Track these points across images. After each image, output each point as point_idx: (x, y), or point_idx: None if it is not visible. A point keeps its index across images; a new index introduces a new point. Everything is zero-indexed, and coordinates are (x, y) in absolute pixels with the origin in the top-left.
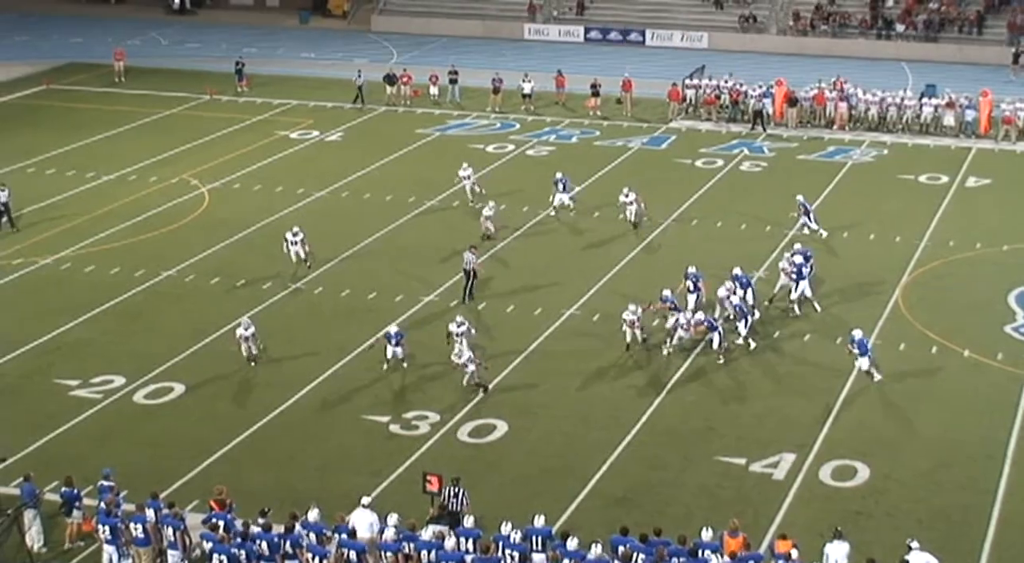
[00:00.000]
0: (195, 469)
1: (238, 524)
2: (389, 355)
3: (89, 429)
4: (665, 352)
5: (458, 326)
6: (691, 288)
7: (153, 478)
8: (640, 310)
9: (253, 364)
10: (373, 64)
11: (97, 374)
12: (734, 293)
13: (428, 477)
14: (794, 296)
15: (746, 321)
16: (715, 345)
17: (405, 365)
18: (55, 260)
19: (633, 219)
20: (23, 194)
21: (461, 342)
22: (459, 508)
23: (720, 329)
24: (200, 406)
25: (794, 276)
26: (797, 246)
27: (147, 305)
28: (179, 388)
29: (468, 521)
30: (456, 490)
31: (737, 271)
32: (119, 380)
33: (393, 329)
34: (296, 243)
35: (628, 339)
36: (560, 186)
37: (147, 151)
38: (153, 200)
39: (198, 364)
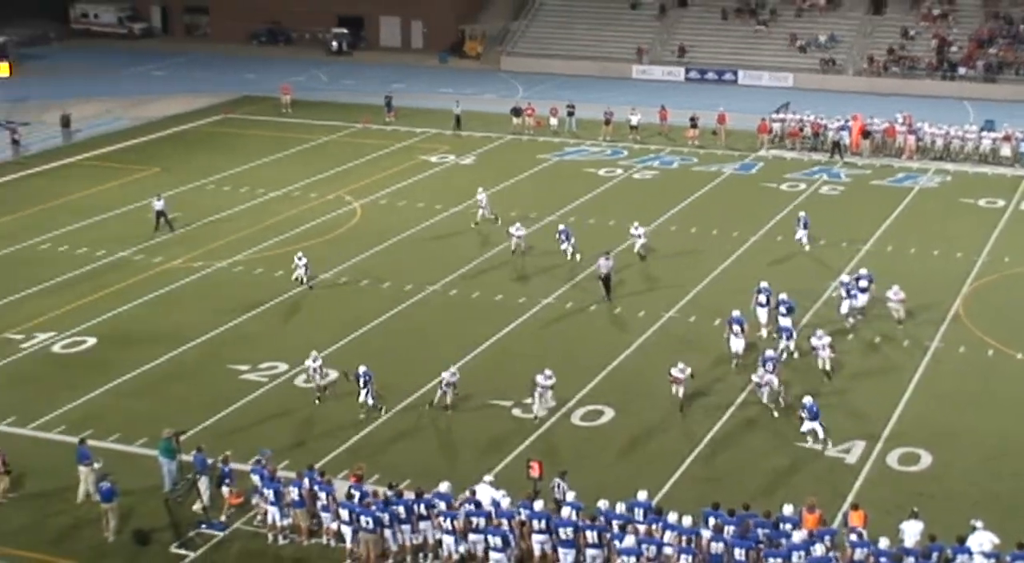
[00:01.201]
0: (345, 444)
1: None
2: (361, 399)
3: (256, 407)
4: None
5: (451, 375)
6: (764, 302)
7: (309, 450)
8: (688, 368)
9: (320, 397)
10: (501, 98)
11: (264, 360)
12: (783, 316)
13: (530, 463)
14: (844, 311)
15: (791, 339)
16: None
17: (379, 409)
18: (229, 263)
19: (640, 252)
20: (203, 207)
21: (448, 392)
22: (562, 497)
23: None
24: (350, 390)
25: (845, 294)
26: (863, 271)
27: (306, 302)
28: (333, 374)
29: (570, 496)
30: (561, 483)
31: (783, 296)
32: (282, 366)
33: (362, 368)
34: (300, 267)
35: (679, 396)
36: (563, 236)
37: (308, 172)
38: (313, 213)
39: (350, 353)
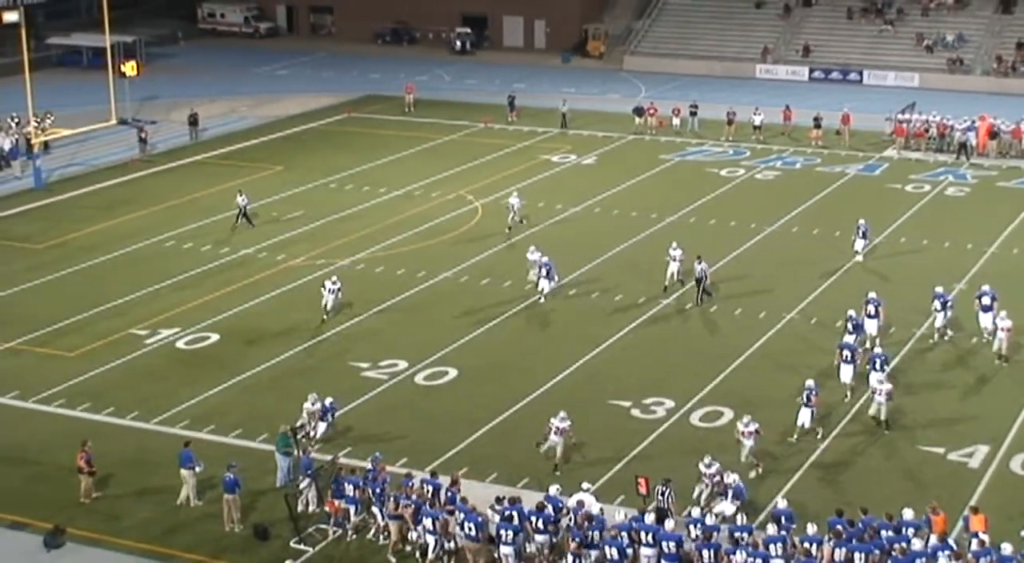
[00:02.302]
0: (464, 442)
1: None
2: (318, 432)
3: (377, 405)
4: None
5: (561, 421)
6: (872, 313)
7: (429, 448)
8: (752, 423)
9: (309, 439)
10: (624, 98)
11: (384, 358)
12: (849, 333)
13: (638, 479)
14: (938, 324)
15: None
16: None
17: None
18: (351, 261)
19: (671, 280)
20: (325, 206)
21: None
22: (667, 505)
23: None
24: (470, 388)
25: (940, 307)
26: (985, 287)
27: (427, 301)
28: (453, 372)
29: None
30: (664, 489)
31: (851, 312)
32: (402, 364)
33: (328, 401)
34: (333, 292)
35: (743, 455)
36: (544, 271)
37: (430, 171)
38: (434, 212)
39: (470, 351)
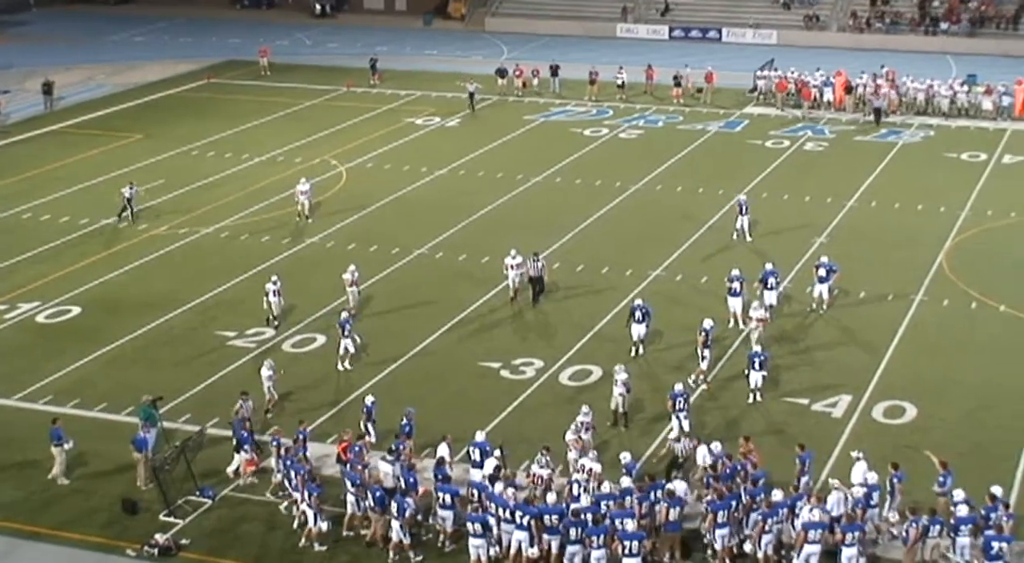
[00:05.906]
0: (338, 406)
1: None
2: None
3: (245, 373)
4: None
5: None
6: (736, 290)
7: (302, 414)
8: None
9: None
10: (487, 59)
11: (251, 327)
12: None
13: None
14: (768, 301)
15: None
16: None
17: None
18: (215, 229)
19: (513, 286)
20: (187, 173)
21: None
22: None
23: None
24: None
25: (772, 284)
26: (823, 258)
27: (293, 268)
28: (321, 339)
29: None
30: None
31: (638, 301)
32: (269, 332)
33: (369, 400)
34: (274, 293)
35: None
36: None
37: (293, 136)
38: (298, 178)
39: (338, 318)
